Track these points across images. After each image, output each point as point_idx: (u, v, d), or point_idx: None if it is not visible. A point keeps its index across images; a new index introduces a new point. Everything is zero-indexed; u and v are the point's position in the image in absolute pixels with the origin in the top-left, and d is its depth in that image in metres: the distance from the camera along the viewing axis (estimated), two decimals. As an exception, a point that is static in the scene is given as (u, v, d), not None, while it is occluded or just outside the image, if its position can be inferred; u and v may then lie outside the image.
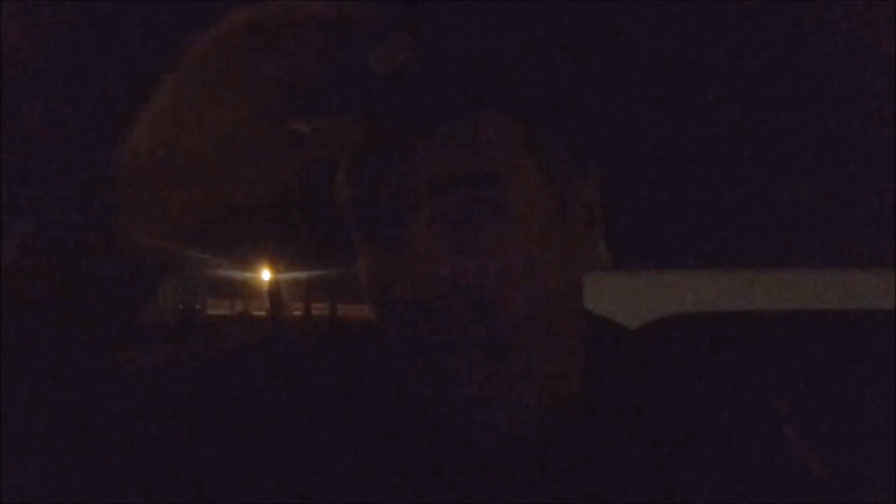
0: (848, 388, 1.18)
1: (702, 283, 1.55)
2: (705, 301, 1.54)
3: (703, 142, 1.14)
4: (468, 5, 0.70)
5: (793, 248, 1.45)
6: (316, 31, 0.56)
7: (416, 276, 0.61)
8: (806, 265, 1.57)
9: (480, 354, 0.63)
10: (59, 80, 0.85)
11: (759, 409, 0.72)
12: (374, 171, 0.63)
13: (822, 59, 0.92)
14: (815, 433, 0.73)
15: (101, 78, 0.87)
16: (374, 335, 0.70)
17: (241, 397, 0.73)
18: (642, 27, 0.91)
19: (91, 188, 0.54)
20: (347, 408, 0.73)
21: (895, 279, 1.38)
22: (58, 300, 0.53)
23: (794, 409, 0.78)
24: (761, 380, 0.89)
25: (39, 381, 0.53)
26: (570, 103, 0.70)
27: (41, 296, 0.52)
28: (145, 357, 0.67)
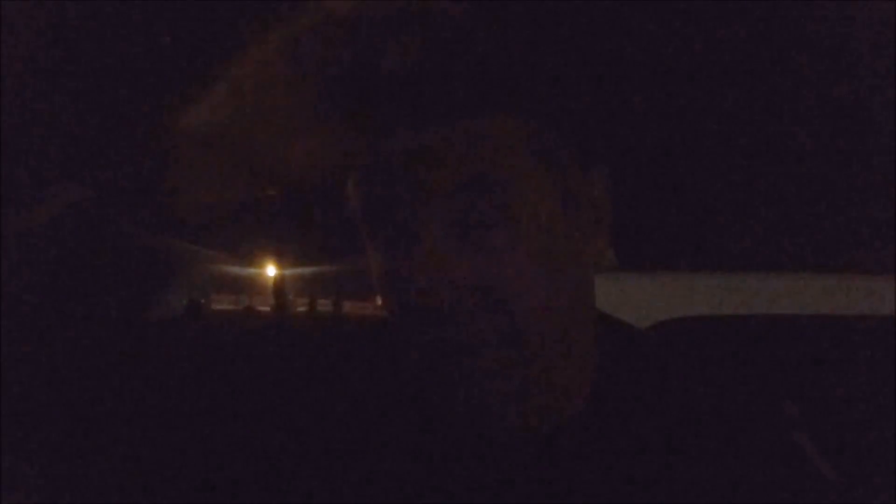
0: (857, 391, 1.17)
1: (709, 286, 1.55)
2: (712, 304, 1.54)
3: (713, 145, 1.14)
4: (473, 6, 0.70)
5: (801, 252, 1.45)
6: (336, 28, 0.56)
7: (431, 281, 0.60)
8: (813, 269, 1.57)
9: (494, 354, 0.63)
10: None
11: (768, 411, 0.71)
12: (385, 176, 0.62)
13: (829, 65, 0.92)
14: (824, 436, 0.73)
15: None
16: (380, 332, 0.70)
17: (245, 392, 0.73)
18: (650, 28, 0.90)
19: (141, 157, 0.54)
20: (354, 406, 0.73)
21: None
22: (64, 294, 0.53)
23: (803, 412, 0.78)
24: (770, 383, 0.88)
25: (43, 376, 0.53)
26: (576, 103, 0.70)
27: (47, 289, 0.52)
28: (151, 350, 0.67)
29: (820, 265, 1.56)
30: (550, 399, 0.65)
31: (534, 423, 0.67)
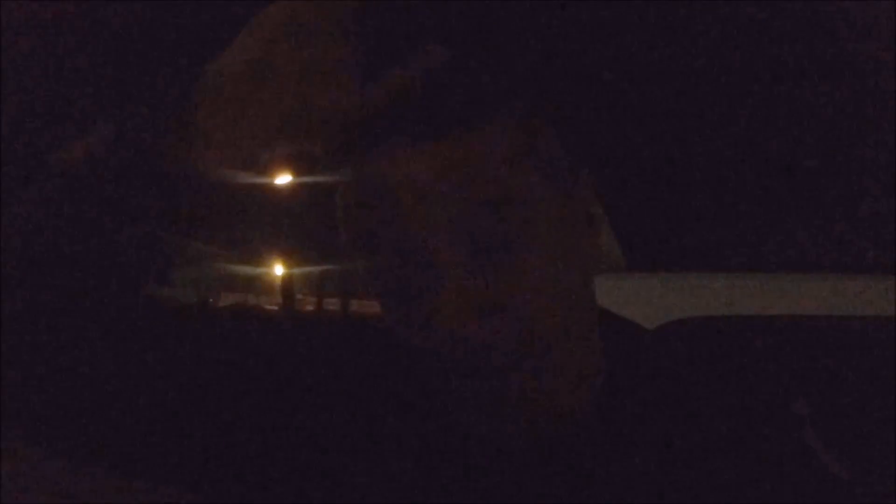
0: (865, 390, 1.17)
1: (715, 286, 1.55)
2: (720, 304, 1.54)
3: (720, 146, 1.14)
4: (474, 13, 0.70)
5: (807, 253, 1.45)
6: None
7: (446, 300, 0.60)
8: (819, 270, 1.57)
9: (503, 359, 0.63)
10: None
11: (777, 410, 0.71)
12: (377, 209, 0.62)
13: (826, 64, 0.92)
14: (834, 434, 0.73)
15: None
16: (387, 331, 0.70)
17: (251, 390, 0.73)
18: (646, 29, 0.90)
19: (172, 109, 0.54)
20: (361, 404, 0.73)
21: None
22: (66, 284, 0.53)
23: (812, 410, 0.77)
24: (779, 382, 0.88)
25: (44, 372, 0.53)
26: (570, 106, 0.70)
27: (49, 281, 0.52)
28: (158, 349, 0.67)
29: (827, 266, 1.56)
30: (556, 401, 0.65)
31: (540, 425, 0.67)
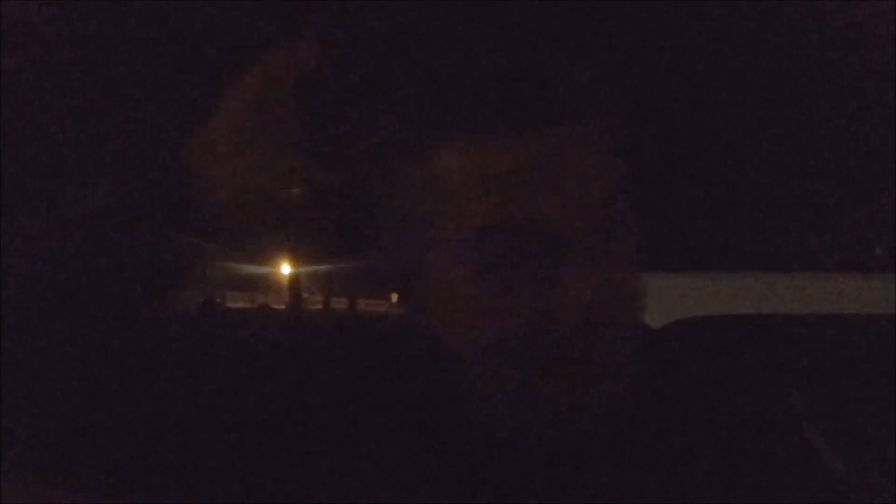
0: (863, 386, 1.18)
1: (717, 286, 1.56)
2: (725, 303, 1.55)
3: (727, 147, 1.15)
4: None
5: (809, 253, 1.46)
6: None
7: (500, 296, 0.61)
8: (820, 269, 1.58)
9: (537, 366, 0.64)
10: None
11: (777, 405, 0.72)
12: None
13: (828, 65, 0.92)
14: (831, 428, 0.73)
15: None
16: (396, 330, 0.71)
17: (259, 389, 0.74)
18: (650, 31, 0.91)
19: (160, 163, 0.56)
20: (369, 403, 0.74)
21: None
22: (77, 290, 0.54)
23: (810, 404, 0.78)
24: (780, 378, 0.89)
25: (51, 374, 0.54)
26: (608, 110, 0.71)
27: (59, 287, 0.53)
28: (166, 348, 0.68)
29: (834, 265, 1.57)
30: (569, 401, 0.66)
31: (551, 426, 0.68)
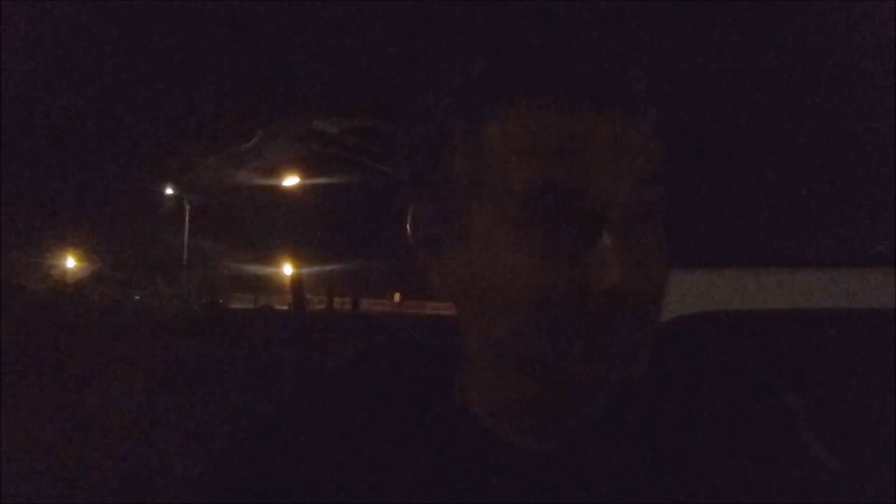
0: (861, 384, 1.18)
1: (716, 283, 1.56)
2: (728, 299, 1.55)
3: (732, 143, 1.15)
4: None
5: (806, 248, 1.46)
6: None
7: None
8: (816, 265, 1.58)
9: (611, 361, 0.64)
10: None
11: (774, 405, 0.72)
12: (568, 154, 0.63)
13: (827, 61, 0.93)
14: (828, 428, 0.74)
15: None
16: (399, 329, 0.72)
17: (263, 388, 0.75)
18: (656, 33, 0.91)
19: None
20: (373, 403, 0.74)
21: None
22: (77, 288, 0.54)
23: (806, 404, 0.79)
24: (776, 377, 0.89)
25: (50, 375, 0.55)
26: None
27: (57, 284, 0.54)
28: (172, 349, 0.69)
29: (828, 260, 1.57)
30: (588, 376, 0.65)
31: (558, 423, 0.69)
